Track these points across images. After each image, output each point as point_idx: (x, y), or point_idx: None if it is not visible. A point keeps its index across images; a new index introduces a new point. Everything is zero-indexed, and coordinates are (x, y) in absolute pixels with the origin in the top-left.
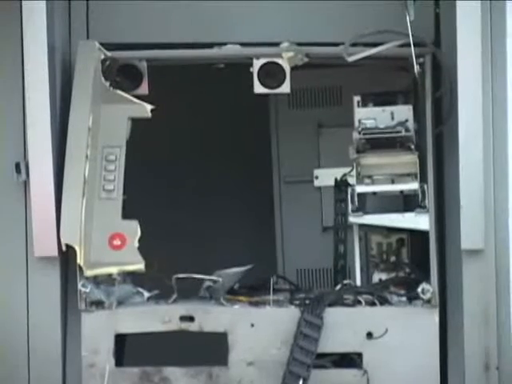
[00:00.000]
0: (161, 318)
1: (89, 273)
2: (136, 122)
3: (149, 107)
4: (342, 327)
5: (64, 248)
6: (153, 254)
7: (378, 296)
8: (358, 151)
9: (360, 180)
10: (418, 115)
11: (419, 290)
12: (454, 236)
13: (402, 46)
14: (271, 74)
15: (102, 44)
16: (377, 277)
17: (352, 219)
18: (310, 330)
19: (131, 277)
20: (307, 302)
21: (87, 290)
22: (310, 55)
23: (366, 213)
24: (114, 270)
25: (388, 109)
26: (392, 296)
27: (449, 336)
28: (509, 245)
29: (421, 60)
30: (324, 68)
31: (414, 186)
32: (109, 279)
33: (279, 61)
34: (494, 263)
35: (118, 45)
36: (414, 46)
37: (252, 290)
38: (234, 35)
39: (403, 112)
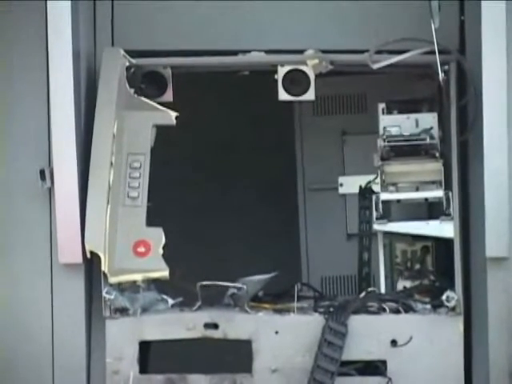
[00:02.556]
0: (185, 325)
1: (113, 280)
2: (160, 130)
3: (173, 114)
4: (367, 335)
5: (88, 255)
6: (177, 262)
7: (403, 304)
8: (382, 158)
9: (384, 187)
10: (443, 123)
11: (444, 297)
12: (479, 244)
13: (426, 53)
14: (296, 81)
15: (126, 51)
16: (401, 284)
17: (376, 227)
18: (334, 338)
19: (155, 284)
20: (331, 309)
21: (112, 297)
22: (335, 62)
23: (391, 220)
24: (138, 277)
25: (413, 116)
26: (416, 304)
27: (473, 344)
28: None
29: (445, 67)
30: (349, 75)
31: (438, 193)
32: (133, 286)
33: (304, 68)
34: None
35: (143, 52)
36: (439, 53)
37: (276, 297)
38: (258, 42)
39: (428, 119)
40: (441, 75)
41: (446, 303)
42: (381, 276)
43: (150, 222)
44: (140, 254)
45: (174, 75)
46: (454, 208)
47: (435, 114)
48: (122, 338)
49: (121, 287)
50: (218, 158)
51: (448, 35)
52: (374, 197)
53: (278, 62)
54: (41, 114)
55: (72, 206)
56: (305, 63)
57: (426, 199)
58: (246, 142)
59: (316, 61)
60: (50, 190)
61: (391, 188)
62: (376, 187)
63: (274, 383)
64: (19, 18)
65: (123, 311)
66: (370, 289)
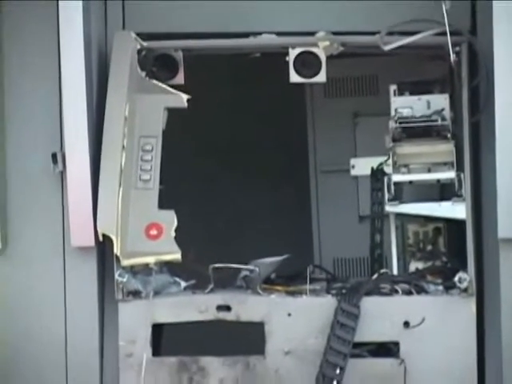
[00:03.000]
0: (197, 308)
1: (125, 262)
2: (173, 112)
3: (185, 97)
4: (379, 316)
5: (101, 238)
6: (189, 244)
7: (415, 285)
8: (394, 140)
9: (396, 169)
10: (455, 104)
11: (456, 279)
12: (491, 225)
13: (438, 34)
14: (307, 63)
15: (137, 34)
16: (413, 266)
17: (388, 208)
18: (346, 319)
19: (168, 266)
20: (344, 291)
21: (124, 280)
22: (346, 44)
23: (403, 202)
24: (150, 259)
25: (424, 98)
26: (429, 285)
27: (486, 325)
28: None
29: (457, 49)
30: (360, 57)
31: (450, 174)
32: (146, 269)
33: (315, 50)
34: None
35: (154, 35)
36: (451, 34)
37: (289, 279)
38: (269, 24)
39: (439, 101)
40: (452, 56)
41: (459, 284)
42: (393, 257)
43: (162, 204)
44: (152, 236)
45: (186, 58)
46: (466, 189)
47: (447, 96)
48: (135, 321)
49: (133, 270)
50: (229, 141)
51: (459, 16)
52: (385, 178)
53: (289, 44)
54: (53, 98)
55: (84, 189)
56: (316, 45)
57: (438, 180)
58: (258, 125)
59: (327, 43)
60: (62, 174)
61: (403, 169)
62: (388, 169)
63: (287, 365)
64: (30, 3)
65: (136, 294)
66: (382, 270)
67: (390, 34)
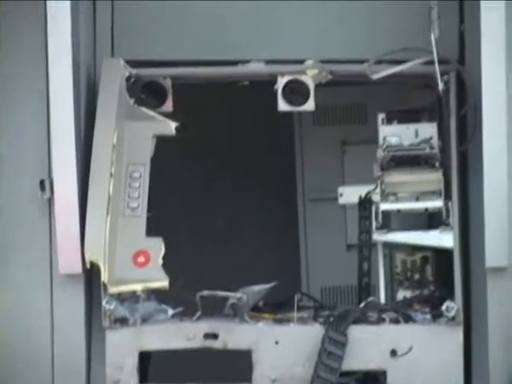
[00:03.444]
0: (185, 336)
1: (113, 290)
2: (160, 140)
3: (173, 124)
4: (366, 345)
5: (88, 265)
6: (177, 272)
7: (403, 314)
8: (382, 168)
9: (384, 197)
10: (443, 133)
11: (444, 307)
12: (479, 254)
13: (426, 63)
14: (295, 91)
15: (126, 61)
16: (401, 294)
17: (376, 237)
18: (334, 348)
19: (155, 294)
20: (331, 319)
21: (111, 307)
22: (334, 73)
23: (391, 230)
24: (138, 287)
25: (412, 126)
26: (416, 314)
27: (473, 354)
28: None
29: (445, 77)
30: (348, 85)
31: (438, 203)
32: (133, 296)
33: (303, 78)
34: None
35: (143, 62)
36: (439, 63)
37: (276, 307)
38: (258, 52)
39: (428, 129)
40: (440, 85)
41: (446, 313)
42: (380, 286)
43: (150, 231)
44: (140, 264)
45: (174, 86)
46: (454, 218)
47: (435, 124)
48: (122, 348)
49: (121, 297)
50: (217, 167)
51: (448, 45)
52: (373, 207)
53: (278, 72)
54: (40, 124)
55: (72, 216)
56: (304, 73)
57: (426, 209)
58: (246, 152)
59: (315, 71)
60: (50, 201)
61: (391, 198)
62: (376, 197)
63: None
64: (19, 27)
65: (123, 321)
66: (369, 299)
67: (379, 62)
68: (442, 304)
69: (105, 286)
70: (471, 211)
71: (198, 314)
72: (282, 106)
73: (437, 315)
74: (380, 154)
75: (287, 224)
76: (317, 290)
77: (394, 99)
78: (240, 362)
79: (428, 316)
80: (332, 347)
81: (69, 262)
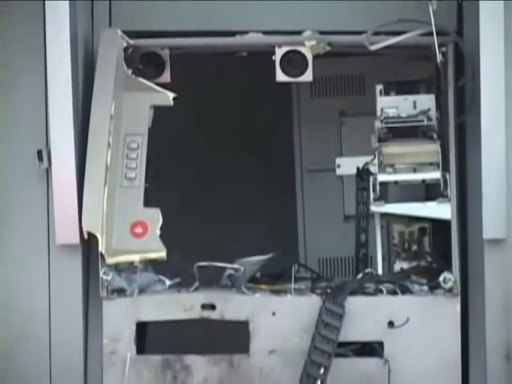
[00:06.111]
0: (182, 306)
1: (110, 260)
2: (159, 111)
3: (171, 95)
4: (364, 316)
5: (86, 236)
6: (175, 242)
7: (400, 285)
8: (380, 140)
9: (382, 169)
10: (441, 104)
11: (441, 279)
12: (476, 225)
13: (424, 35)
14: (293, 62)
15: (124, 32)
16: (398, 266)
17: (374, 208)
18: (331, 319)
19: (153, 265)
20: (328, 290)
21: (109, 278)
22: (333, 44)
23: (388, 202)
24: (135, 257)
25: (410, 98)
26: (413, 285)
27: (470, 325)
28: None
29: (443, 49)
30: (346, 57)
31: (435, 175)
32: (130, 267)
33: (301, 49)
34: None
35: (141, 33)
36: (437, 35)
37: (273, 278)
38: (256, 23)
39: (425, 101)
40: (438, 57)
41: (443, 284)
42: (378, 257)
43: (148, 202)
44: (137, 234)
45: (172, 56)
46: (452, 189)
47: (433, 96)
48: (119, 319)
49: (118, 268)
50: (214, 139)
51: (446, 17)
52: (371, 178)
53: (276, 43)
54: (38, 95)
55: (69, 186)
56: (302, 44)
57: (424, 181)
58: (244, 123)
59: (314, 42)
60: (48, 171)
61: (389, 169)
62: (373, 168)
63: (271, 364)
64: (16, 2)
65: (120, 292)
66: (367, 270)
67: (377, 33)
68: (439, 275)
69: (102, 256)
70: (469, 183)
71: (196, 284)
72: (280, 76)
73: (434, 287)
74: (378, 125)
75: (285, 195)
76: (314, 261)
77: (392, 71)
78: (237, 333)
79: (425, 287)
80: (329, 318)
81: (66, 232)
